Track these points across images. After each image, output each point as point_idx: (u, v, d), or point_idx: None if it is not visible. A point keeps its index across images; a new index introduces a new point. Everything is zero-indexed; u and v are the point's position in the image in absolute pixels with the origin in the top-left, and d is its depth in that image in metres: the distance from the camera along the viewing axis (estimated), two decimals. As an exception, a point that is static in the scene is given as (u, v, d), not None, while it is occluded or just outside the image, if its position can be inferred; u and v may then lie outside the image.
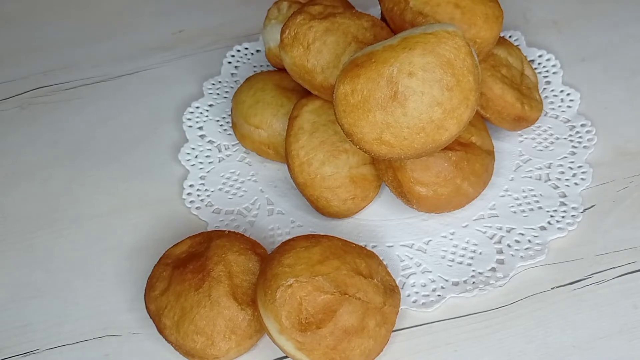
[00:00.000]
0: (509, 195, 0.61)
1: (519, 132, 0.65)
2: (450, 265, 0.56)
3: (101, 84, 0.74)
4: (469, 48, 0.52)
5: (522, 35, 0.74)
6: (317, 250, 0.50)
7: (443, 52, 0.51)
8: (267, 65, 0.73)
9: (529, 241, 0.57)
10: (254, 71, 0.73)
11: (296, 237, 0.53)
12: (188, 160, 0.65)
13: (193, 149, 0.66)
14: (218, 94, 0.71)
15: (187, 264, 0.53)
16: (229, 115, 0.69)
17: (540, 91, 0.68)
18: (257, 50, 0.75)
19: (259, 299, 0.50)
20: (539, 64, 0.71)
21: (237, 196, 0.63)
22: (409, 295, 0.55)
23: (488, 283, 0.55)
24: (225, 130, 0.68)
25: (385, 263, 0.54)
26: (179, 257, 0.54)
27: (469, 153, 0.58)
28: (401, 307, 0.53)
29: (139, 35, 0.79)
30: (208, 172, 0.64)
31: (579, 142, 0.64)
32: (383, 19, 0.63)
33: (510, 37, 0.74)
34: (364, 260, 0.51)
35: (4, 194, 0.65)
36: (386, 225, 0.60)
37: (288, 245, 0.51)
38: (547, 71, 0.71)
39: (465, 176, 0.57)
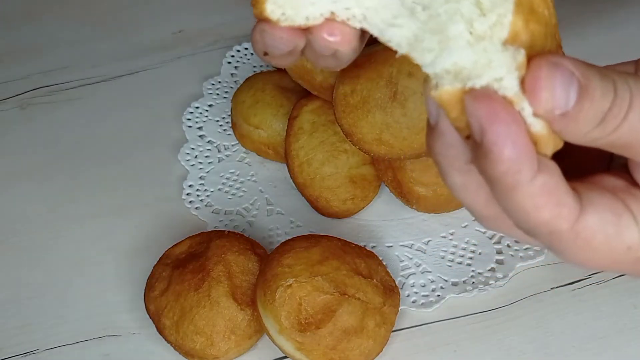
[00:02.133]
0: (509, 195, 0.61)
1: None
2: (450, 266, 0.56)
3: (101, 84, 0.74)
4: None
5: (522, 35, 0.74)
6: (316, 250, 0.50)
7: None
8: (267, 66, 0.73)
9: (529, 241, 0.57)
10: (254, 71, 0.73)
11: (296, 237, 0.53)
12: (188, 160, 0.65)
13: (193, 149, 0.66)
14: (218, 94, 0.71)
15: (186, 264, 0.53)
16: (229, 115, 0.68)
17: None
18: (257, 50, 0.75)
19: (258, 299, 0.50)
20: (539, 64, 0.71)
21: (237, 196, 0.62)
22: (408, 296, 0.55)
23: (487, 283, 0.55)
24: (225, 130, 0.68)
25: (384, 263, 0.54)
26: (179, 257, 0.54)
27: (469, 153, 0.58)
28: (401, 307, 0.53)
29: (138, 36, 0.78)
30: (208, 172, 0.64)
31: (579, 142, 0.64)
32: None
33: (510, 37, 0.74)
34: (363, 261, 0.51)
35: (4, 194, 0.65)
36: (386, 226, 0.60)
37: (287, 246, 0.52)
38: (547, 71, 0.71)
39: (465, 176, 0.57)
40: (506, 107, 0.26)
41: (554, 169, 0.27)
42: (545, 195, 0.27)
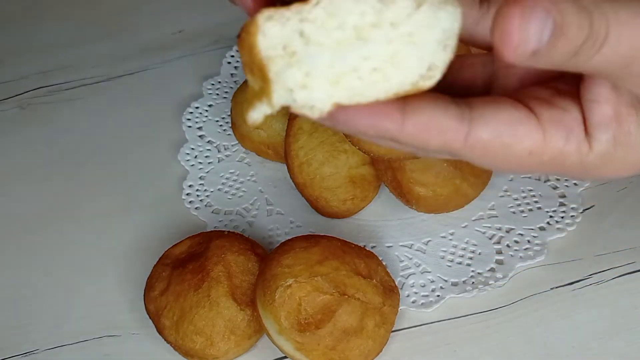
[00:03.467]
0: (508, 195, 0.61)
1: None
2: (450, 266, 0.56)
3: (101, 84, 0.74)
4: (469, 48, 0.52)
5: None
6: (316, 250, 0.50)
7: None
8: (267, 65, 0.73)
9: (529, 241, 0.57)
10: (254, 71, 0.73)
11: (295, 237, 0.53)
12: (187, 160, 0.65)
13: (192, 149, 0.66)
14: (218, 94, 0.71)
15: (186, 264, 0.53)
16: (229, 115, 0.68)
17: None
18: (257, 50, 0.75)
19: (258, 299, 0.50)
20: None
21: (237, 196, 0.62)
22: (408, 296, 0.55)
23: (487, 283, 0.55)
24: (224, 130, 0.68)
25: (384, 263, 0.54)
26: (179, 257, 0.54)
27: (469, 153, 0.58)
28: (400, 308, 0.53)
29: (138, 36, 0.78)
30: (207, 172, 0.64)
31: (579, 142, 0.64)
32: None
33: (510, 37, 0.74)
34: (363, 261, 0.51)
35: (3, 194, 0.65)
36: (385, 226, 0.60)
37: (287, 246, 0.51)
38: (547, 71, 0.71)
39: (465, 176, 0.57)
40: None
41: (424, 105, 0.30)
42: (424, 131, 0.30)
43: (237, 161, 0.65)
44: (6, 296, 0.57)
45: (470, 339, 0.53)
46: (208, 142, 0.67)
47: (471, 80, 0.35)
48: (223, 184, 0.64)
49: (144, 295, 0.53)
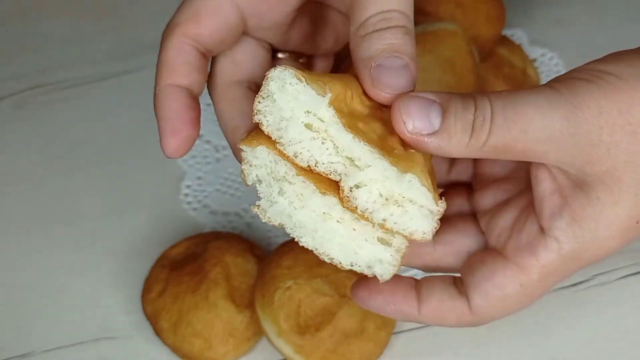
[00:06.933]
0: (511, 195, 0.60)
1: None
2: (451, 267, 0.56)
3: (98, 83, 0.73)
4: (470, 47, 0.51)
5: (525, 34, 0.73)
6: (316, 251, 0.50)
7: (443, 51, 0.50)
8: (266, 64, 0.72)
9: (531, 242, 0.57)
10: (253, 70, 0.73)
11: (295, 238, 0.52)
12: (185, 160, 0.65)
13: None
14: (216, 93, 0.71)
15: (184, 266, 0.52)
16: (227, 114, 0.68)
17: (542, 90, 0.67)
18: (256, 49, 0.75)
19: (257, 301, 0.50)
20: (541, 63, 0.71)
21: (235, 197, 0.62)
22: (409, 298, 0.54)
23: (489, 285, 0.55)
24: (223, 129, 0.67)
25: (385, 265, 0.54)
26: (176, 258, 0.54)
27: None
28: (401, 310, 0.53)
29: (135, 33, 0.78)
30: (205, 172, 0.64)
31: (581, 142, 0.64)
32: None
33: (512, 35, 0.73)
34: (363, 262, 0.51)
35: (-1, 194, 0.64)
36: (386, 227, 0.59)
37: (286, 247, 0.51)
38: (549, 70, 0.70)
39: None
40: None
41: (432, 291, 0.35)
42: (438, 312, 0.35)
43: (236, 161, 0.65)
44: (2, 298, 0.57)
45: (471, 341, 0.52)
46: (206, 141, 0.66)
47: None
48: (221, 184, 0.63)
49: (141, 297, 0.53)
